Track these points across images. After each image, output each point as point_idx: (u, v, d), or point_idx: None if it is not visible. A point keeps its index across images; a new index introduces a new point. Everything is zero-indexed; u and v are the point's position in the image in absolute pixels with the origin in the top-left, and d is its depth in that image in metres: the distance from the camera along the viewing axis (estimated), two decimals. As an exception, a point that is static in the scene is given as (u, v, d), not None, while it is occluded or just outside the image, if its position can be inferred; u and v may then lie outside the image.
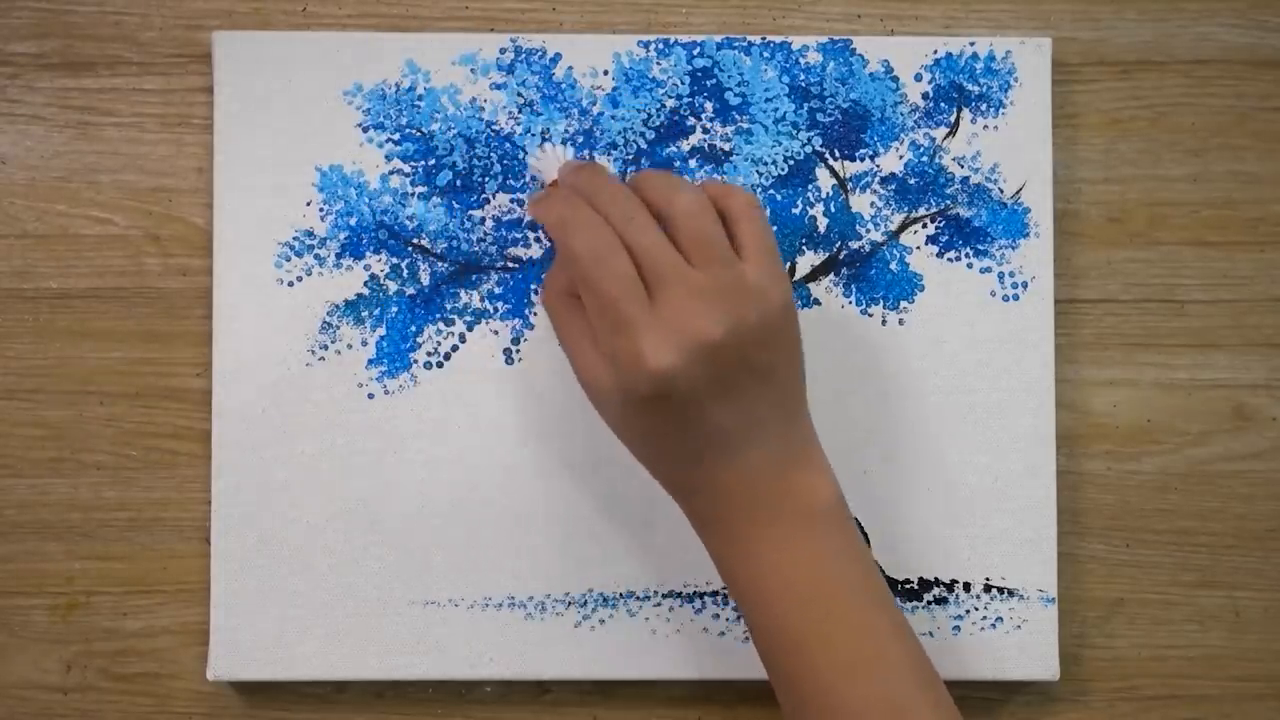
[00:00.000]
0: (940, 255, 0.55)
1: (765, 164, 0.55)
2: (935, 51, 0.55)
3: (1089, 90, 0.57)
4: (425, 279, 0.55)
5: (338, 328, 0.55)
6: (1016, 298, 0.55)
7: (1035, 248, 0.55)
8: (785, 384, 0.47)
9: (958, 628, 0.55)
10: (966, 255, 0.55)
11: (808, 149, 0.55)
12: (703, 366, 0.44)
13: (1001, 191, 0.55)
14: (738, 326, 0.44)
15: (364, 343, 0.55)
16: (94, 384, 0.56)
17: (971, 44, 0.55)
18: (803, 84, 0.55)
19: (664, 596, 0.55)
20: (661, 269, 0.44)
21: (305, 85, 0.55)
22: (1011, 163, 0.55)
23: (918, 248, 0.55)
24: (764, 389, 0.46)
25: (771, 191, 0.55)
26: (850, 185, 0.55)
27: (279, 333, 0.54)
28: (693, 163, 0.55)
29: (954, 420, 0.55)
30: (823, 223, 0.55)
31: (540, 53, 0.55)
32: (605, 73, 0.55)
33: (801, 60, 0.55)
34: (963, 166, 0.55)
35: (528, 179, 0.54)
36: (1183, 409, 0.57)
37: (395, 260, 0.55)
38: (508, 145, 0.55)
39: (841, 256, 0.55)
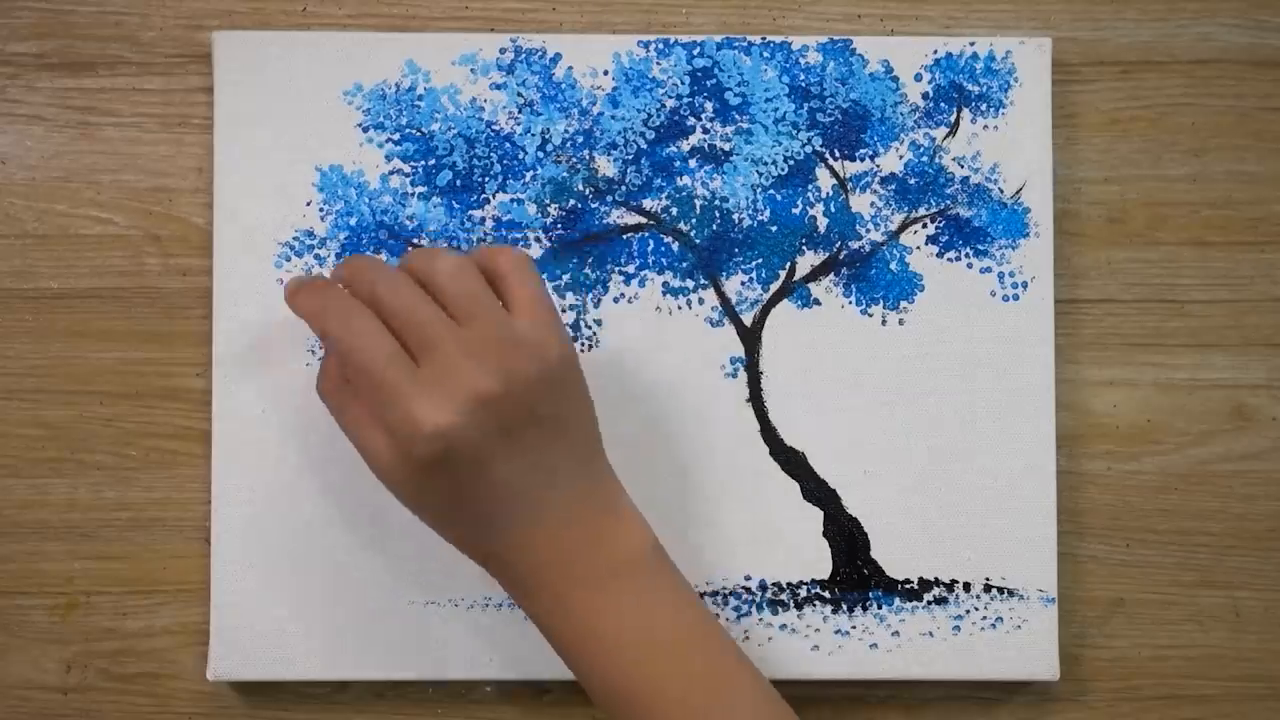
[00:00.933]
0: (940, 255, 0.55)
1: (765, 164, 0.55)
2: (935, 51, 0.55)
3: (1089, 90, 0.57)
4: (425, 279, 0.55)
5: (338, 328, 0.54)
6: (1016, 298, 0.55)
7: (1035, 248, 0.55)
8: (574, 434, 0.46)
9: (958, 628, 0.55)
10: (966, 255, 0.55)
11: (808, 149, 0.55)
12: (481, 422, 0.43)
13: (1001, 191, 0.55)
14: (513, 378, 0.44)
15: (364, 343, 0.54)
16: (94, 384, 0.56)
17: (971, 44, 0.55)
18: (803, 84, 0.55)
19: (664, 596, 0.55)
20: (426, 333, 0.44)
21: (305, 85, 0.55)
22: (1011, 163, 0.55)
23: (918, 248, 0.55)
24: (551, 440, 0.45)
25: (771, 191, 0.55)
26: (850, 185, 0.55)
27: (279, 333, 0.54)
28: (693, 163, 0.55)
29: (954, 420, 0.55)
30: (823, 223, 0.55)
31: (540, 53, 0.55)
32: (605, 73, 0.55)
33: (801, 60, 0.55)
34: (963, 166, 0.55)
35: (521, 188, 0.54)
36: (1183, 409, 0.57)
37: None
38: (508, 145, 0.55)
39: (841, 256, 0.55)
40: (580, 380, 0.47)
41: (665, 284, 0.55)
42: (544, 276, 0.54)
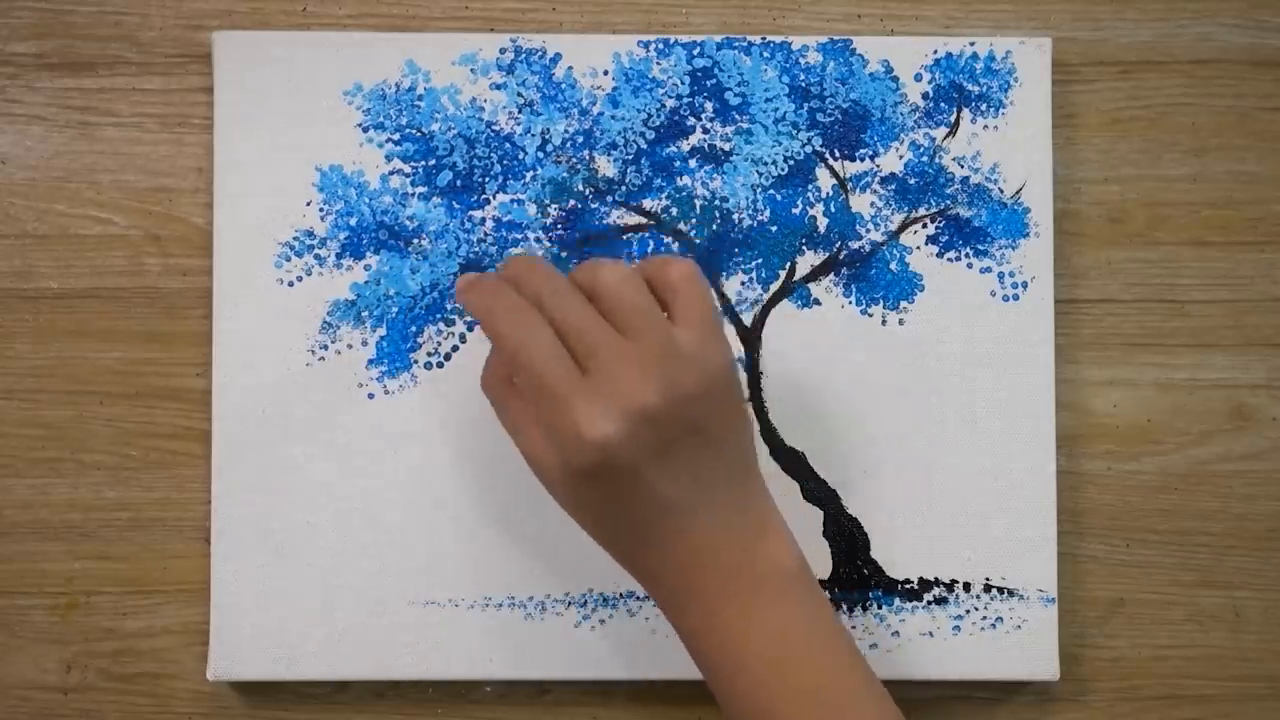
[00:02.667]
0: (940, 255, 0.55)
1: (765, 164, 0.55)
2: (935, 51, 0.55)
3: (1089, 90, 0.57)
4: (425, 279, 0.55)
5: (338, 328, 0.55)
6: (1016, 298, 0.55)
7: (1035, 248, 0.55)
8: (732, 449, 0.46)
9: (958, 628, 0.55)
10: (966, 255, 0.55)
11: (808, 149, 0.55)
12: (642, 433, 0.43)
13: (1001, 191, 0.55)
14: (674, 391, 0.44)
15: (364, 343, 0.55)
16: (94, 384, 0.56)
17: (971, 44, 0.55)
18: (803, 84, 0.55)
19: (664, 596, 0.55)
20: (590, 341, 0.44)
21: (305, 85, 0.55)
22: (1011, 163, 0.55)
23: (918, 248, 0.55)
24: (709, 455, 0.45)
25: (771, 191, 0.55)
26: (850, 185, 0.55)
27: (279, 333, 0.54)
28: (693, 163, 0.55)
29: (954, 420, 0.55)
30: (823, 223, 0.55)
31: (540, 53, 0.55)
32: (605, 73, 0.55)
33: (801, 60, 0.55)
34: (963, 166, 0.55)
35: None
36: (1183, 409, 0.57)
37: (395, 260, 0.55)
38: (508, 145, 0.55)
39: (841, 256, 0.55)
40: (739, 394, 0.47)
41: (665, 284, 0.55)
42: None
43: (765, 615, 0.46)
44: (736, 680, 0.46)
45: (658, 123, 0.55)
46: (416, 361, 0.55)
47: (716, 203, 0.55)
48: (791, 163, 0.55)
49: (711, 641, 0.46)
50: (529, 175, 0.55)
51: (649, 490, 0.44)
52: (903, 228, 0.55)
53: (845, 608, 0.55)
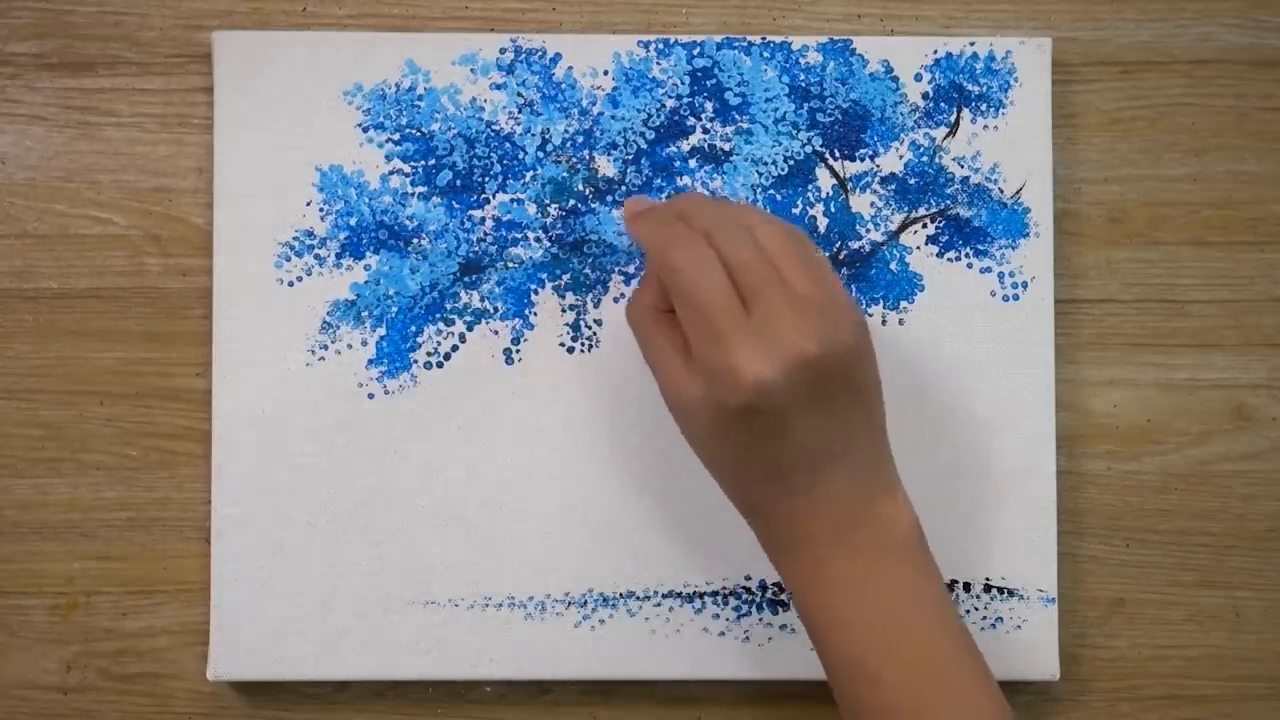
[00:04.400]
0: (940, 255, 0.55)
1: (765, 164, 0.55)
2: (935, 51, 0.55)
3: (1089, 90, 0.57)
4: (425, 279, 0.55)
5: (338, 328, 0.55)
6: (1016, 298, 0.55)
7: (1035, 248, 0.55)
8: (870, 406, 0.47)
9: (958, 628, 0.55)
10: (966, 255, 0.55)
11: (808, 149, 0.55)
12: (796, 382, 0.44)
13: (1001, 191, 0.55)
14: (831, 343, 0.44)
15: (364, 343, 0.55)
16: (94, 384, 0.56)
17: (971, 44, 0.55)
18: (803, 84, 0.55)
19: (664, 596, 0.55)
20: (758, 283, 0.44)
21: (305, 85, 0.55)
22: (1011, 163, 0.55)
23: (918, 248, 0.55)
24: (853, 409, 0.46)
25: (771, 191, 0.55)
26: (850, 185, 0.55)
27: (279, 333, 0.54)
28: (693, 163, 0.55)
29: (954, 420, 0.55)
30: (823, 223, 0.55)
31: (540, 53, 0.55)
32: (605, 73, 0.55)
33: (801, 60, 0.55)
34: (963, 166, 0.55)
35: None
36: (1183, 409, 0.57)
37: (395, 260, 0.55)
38: (508, 145, 0.55)
39: (841, 256, 0.55)
40: (874, 357, 0.47)
41: (665, 284, 0.55)
42: (545, 276, 0.55)
43: (880, 576, 0.46)
44: (841, 636, 0.46)
45: (658, 123, 0.55)
46: (416, 361, 0.55)
47: (716, 203, 0.55)
48: (791, 163, 0.55)
49: (821, 594, 0.46)
50: (529, 175, 0.55)
51: (793, 438, 0.45)
52: (903, 228, 0.55)
53: (845, 608, 0.55)
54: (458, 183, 0.55)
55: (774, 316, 0.44)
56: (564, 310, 0.55)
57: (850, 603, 0.46)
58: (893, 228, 0.55)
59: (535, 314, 0.55)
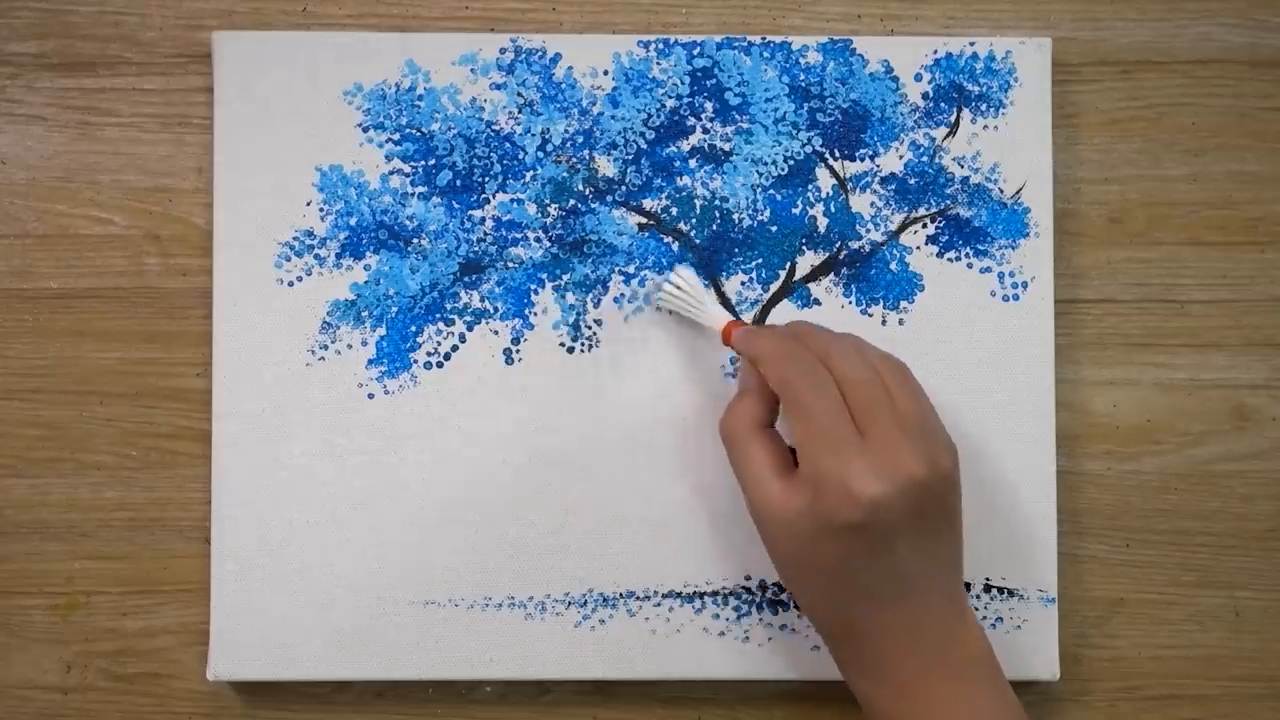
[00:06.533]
0: (940, 255, 0.55)
1: (765, 164, 0.55)
2: (935, 51, 0.55)
3: (1089, 90, 0.57)
4: (425, 279, 0.55)
5: (338, 328, 0.55)
6: (1016, 298, 0.55)
7: (1035, 248, 0.55)
8: (958, 533, 0.48)
9: (958, 628, 0.55)
10: (966, 255, 0.55)
11: (808, 149, 0.55)
12: (905, 502, 0.45)
13: (1001, 191, 0.55)
14: (936, 467, 0.46)
15: (364, 343, 0.55)
16: (94, 384, 0.56)
17: (971, 44, 0.55)
18: (803, 84, 0.55)
19: (664, 596, 0.55)
20: (872, 403, 0.46)
21: (305, 85, 0.55)
22: (1011, 163, 0.55)
23: (918, 248, 0.55)
24: (947, 535, 0.47)
25: (771, 191, 0.55)
26: (850, 185, 0.55)
27: (279, 333, 0.54)
28: (693, 162, 0.55)
29: (954, 420, 0.55)
30: (823, 223, 0.55)
31: (540, 53, 0.55)
32: (605, 73, 0.55)
33: (801, 60, 0.55)
34: (963, 166, 0.55)
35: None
36: (1183, 409, 0.57)
37: (395, 260, 0.55)
38: (508, 145, 0.55)
39: (841, 256, 0.55)
40: (960, 488, 0.48)
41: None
42: (545, 276, 0.55)
43: (961, 694, 0.47)
44: None
45: (658, 123, 0.55)
46: (416, 361, 0.55)
47: (716, 203, 0.55)
48: (791, 163, 0.55)
49: (899, 712, 0.47)
50: (529, 175, 0.55)
51: (893, 557, 0.46)
52: (903, 228, 0.55)
53: (845, 608, 0.55)
54: (458, 183, 0.55)
55: (887, 437, 0.45)
56: (564, 310, 0.55)
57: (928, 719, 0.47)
58: (893, 228, 0.55)
59: (535, 314, 0.55)
